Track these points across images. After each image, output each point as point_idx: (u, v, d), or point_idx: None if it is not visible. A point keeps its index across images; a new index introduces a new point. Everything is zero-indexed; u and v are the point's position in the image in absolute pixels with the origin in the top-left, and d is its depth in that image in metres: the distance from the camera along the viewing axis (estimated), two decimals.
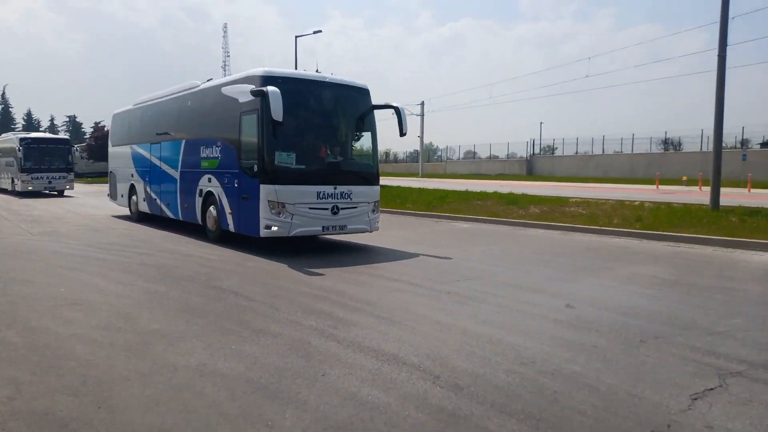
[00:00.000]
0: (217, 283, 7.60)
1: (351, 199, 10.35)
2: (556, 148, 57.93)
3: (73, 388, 3.99)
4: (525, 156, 56.65)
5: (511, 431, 3.41)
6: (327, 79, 10.83)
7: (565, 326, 5.68)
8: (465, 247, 11.10)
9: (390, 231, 13.61)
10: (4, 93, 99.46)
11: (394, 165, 71.78)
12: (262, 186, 9.70)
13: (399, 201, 20.13)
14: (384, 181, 36.22)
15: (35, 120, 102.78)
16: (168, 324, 5.65)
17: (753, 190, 26.19)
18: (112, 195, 18.45)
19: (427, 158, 65.02)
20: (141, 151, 15.72)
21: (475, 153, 65.34)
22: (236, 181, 10.56)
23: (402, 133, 11.11)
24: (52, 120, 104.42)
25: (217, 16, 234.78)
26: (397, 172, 63.65)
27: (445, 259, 9.75)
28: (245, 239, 11.05)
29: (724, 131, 15.76)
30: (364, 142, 11.54)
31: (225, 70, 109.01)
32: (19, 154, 27.93)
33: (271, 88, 9.20)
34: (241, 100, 10.26)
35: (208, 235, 11.87)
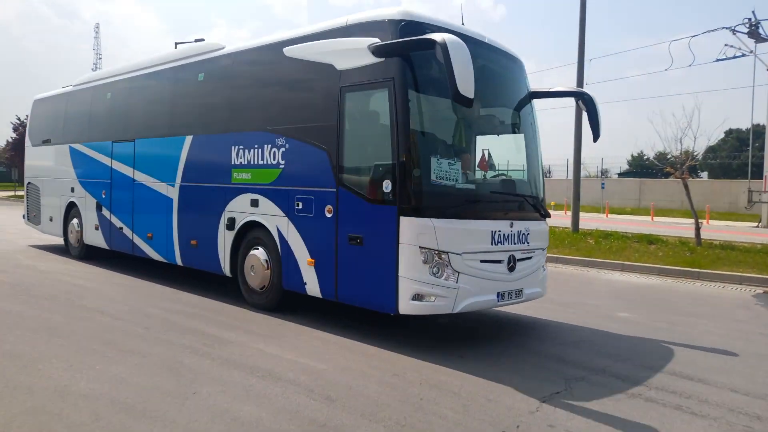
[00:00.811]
0: (82, 302, 7.14)
1: (528, 243, 6.32)
2: None
3: None
4: None
5: None
6: (486, 40, 6.44)
7: (436, 337, 6.02)
8: None
9: None
10: None
11: None
12: (405, 220, 5.41)
13: None
14: None
15: None
16: (24, 345, 5.24)
17: (610, 215, 29.22)
18: (32, 217, 12.86)
19: None
20: (92, 153, 10.46)
21: None
22: (329, 207, 6.11)
23: (597, 136, 7.07)
24: None
25: (88, 15, 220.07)
26: None
27: None
28: (307, 301, 6.76)
29: (588, 161, 17.79)
30: (526, 146, 7.00)
31: None
32: None
33: (450, 38, 5.05)
34: (343, 65, 6.00)
35: (247, 297, 7.24)
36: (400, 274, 5.42)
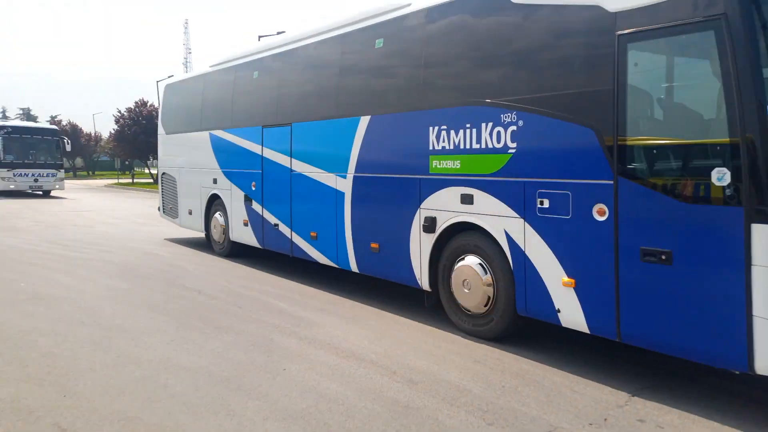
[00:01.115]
0: (181, 282, 7.67)
1: None
2: None
3: (37, 378, 4.08)
4: None
5: (459, 421, 3.65)
6: None
7: (519, 329, 5.96)
8: None
9: None
10: None
11: None
12: (762, 230, 3.60)
13: None
14: None
15: None
16: (132, 319, 5.73)
17: None
18: (168, 210, 12.04)
19: None
20: (237, 140, 9.40)
21: None
22: (600, 206, 4.40)
23: None
24: (3, 112, 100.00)
25: (176, 11, 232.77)
26: None
27: None
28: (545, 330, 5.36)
29: None
30: None
31: (186, 67, 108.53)
32: None
33: None
34: (620, 4, 4.27)
35: (455, 320, 5.71)
36: (755, 314, 3.65)
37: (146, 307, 6.23)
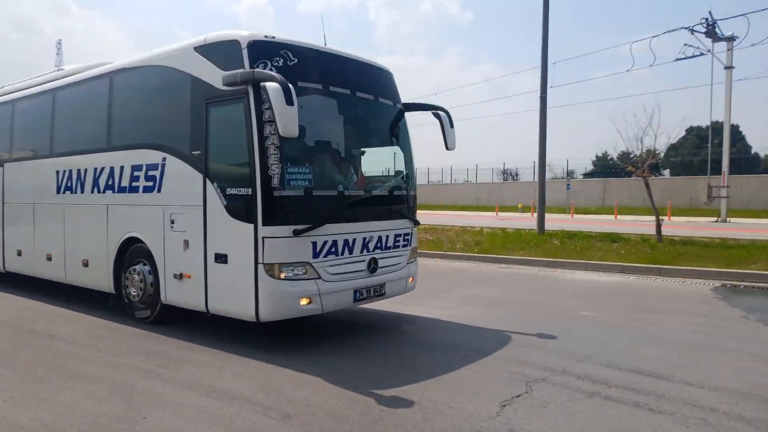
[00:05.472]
0: (31, 327, 6.86)
1: None
2: None
3: None
4: None
5: None
6: None
7: (399, 346, 5.95)
8: None
9: None
10: None
11: None
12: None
13: None
14: None
15: None
16: None
17: (575, 216, 29.70)
18: None
19: None
20: None
21: None
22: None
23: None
24: None
25: (49, 31, 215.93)
26: None
27: None
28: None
29: (554, 163, 17.91)
30: None
31: None
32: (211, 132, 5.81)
33: None
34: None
35: None
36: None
37: None
